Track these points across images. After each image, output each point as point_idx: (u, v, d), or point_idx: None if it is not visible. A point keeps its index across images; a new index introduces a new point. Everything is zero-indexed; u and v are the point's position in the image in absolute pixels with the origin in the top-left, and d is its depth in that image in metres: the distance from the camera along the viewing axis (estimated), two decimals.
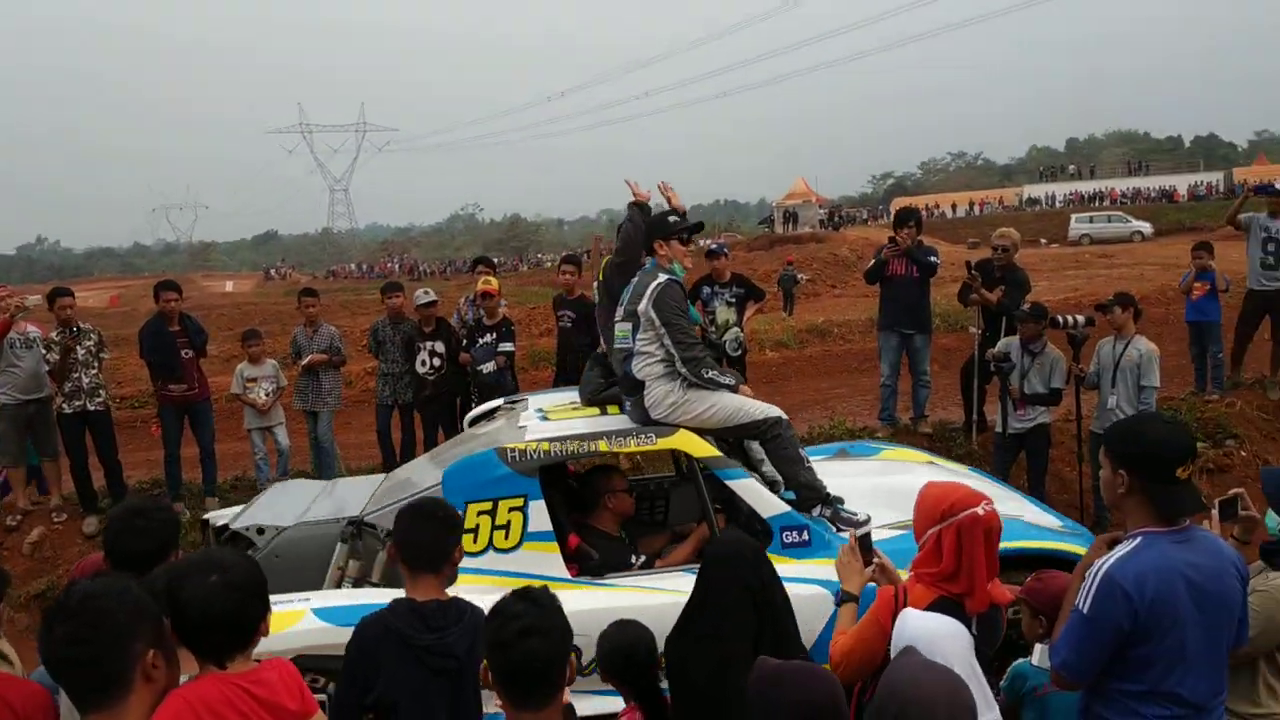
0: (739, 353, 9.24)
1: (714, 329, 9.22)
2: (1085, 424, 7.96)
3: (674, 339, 4.85)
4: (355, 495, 5.68)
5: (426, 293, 9.11)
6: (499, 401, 6.66)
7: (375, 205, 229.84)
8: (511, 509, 4.67)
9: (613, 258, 5.98)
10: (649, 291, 4.91)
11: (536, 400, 6.07)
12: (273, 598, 4.25)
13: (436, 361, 8.81)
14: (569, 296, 9.24)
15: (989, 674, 2.64)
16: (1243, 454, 9.00)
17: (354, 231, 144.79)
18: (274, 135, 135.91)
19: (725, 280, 9.28)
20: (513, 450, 4.75)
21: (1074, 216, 47.86)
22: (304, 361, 9.14)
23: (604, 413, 5.44)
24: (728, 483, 4.86)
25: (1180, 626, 2.75)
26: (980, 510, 3.05)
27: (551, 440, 4.83)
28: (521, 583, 4.37)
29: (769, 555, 3.27)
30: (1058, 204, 61.62)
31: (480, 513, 4.65)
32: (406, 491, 5.00)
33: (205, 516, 6.43)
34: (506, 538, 4.68)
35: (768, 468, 5.35)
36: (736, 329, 9.19)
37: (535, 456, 4.74)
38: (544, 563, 4.65)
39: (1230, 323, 9.98)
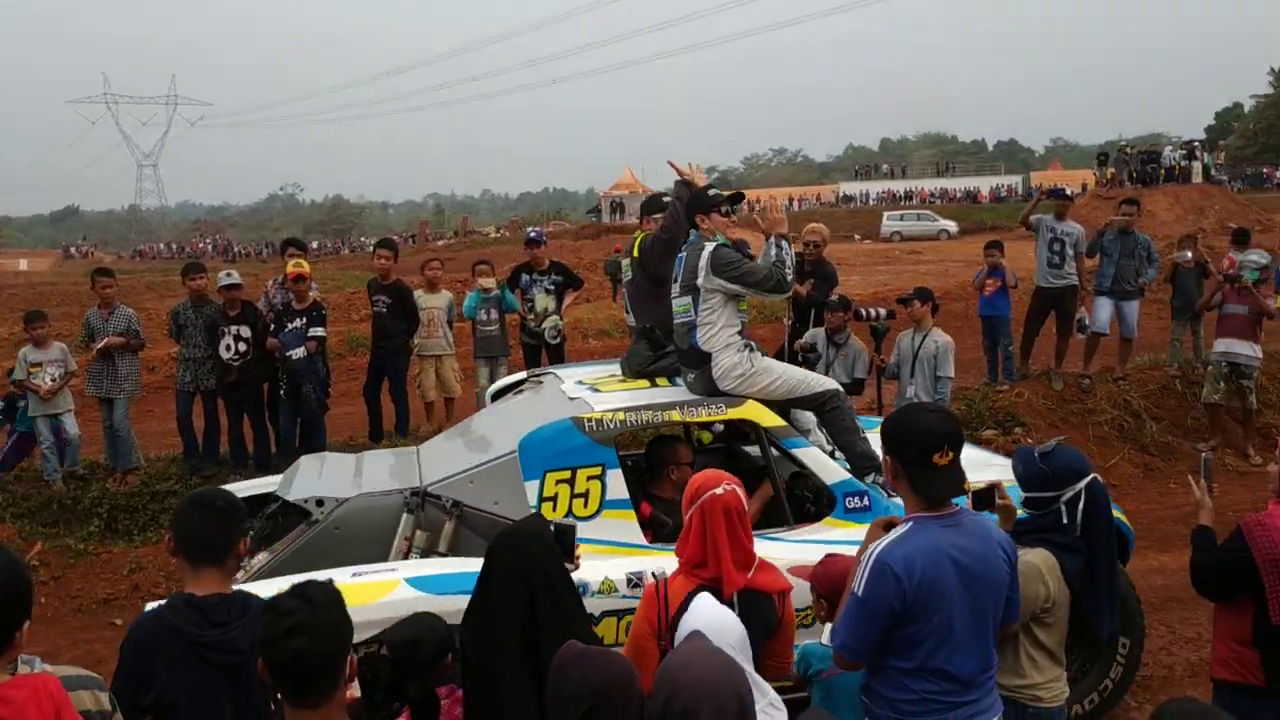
0: (557, 340, 9.26)
1: (532, 316, 9.21)
2: (886, 413, 8.31)
3: (746, 283, 4.93)
4: (403, 466, 5.58)
5: (230, 274, 8.72)
6: (522, 374, 6.66)
7: (187, 182, 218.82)
8: (590, 477, 4.71)
9: (659, 234, 5.97)
10: (703, 262, 4.97)
11: (571, 373, 6.02)
12: (364, 568, 4.36)
13: (242, 346, 8.45)
14: (384, 281, 9.05)
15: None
16: (1029, 441, 9.61)
17: (164, 209, 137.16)
18: (75, 105, 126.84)
19: (544, 268, 9.28)
20: (590, 420, 4.77)
21: (886, 214, 49.91)
22: (98, 345, 8.62)
23: (653, 384, 5.45)
24: (793, 451, 4.96)
25: (947, 606, 2.89)
26: (720, 490, 3.11)
27: (626, 410, 4.87)
28: (603, 550, 4.45)
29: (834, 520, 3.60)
30: (871, 202, 64.08)
31: (559, 481, 4.69)
32: (474, 461, 4.98)
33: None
34: (585, 505, 4.72)
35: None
36: (555, 317, 9.21)
37: (612, 426, 4.78)
38: (622, 530, 4.65)
39: (1020, 318, 10.64)
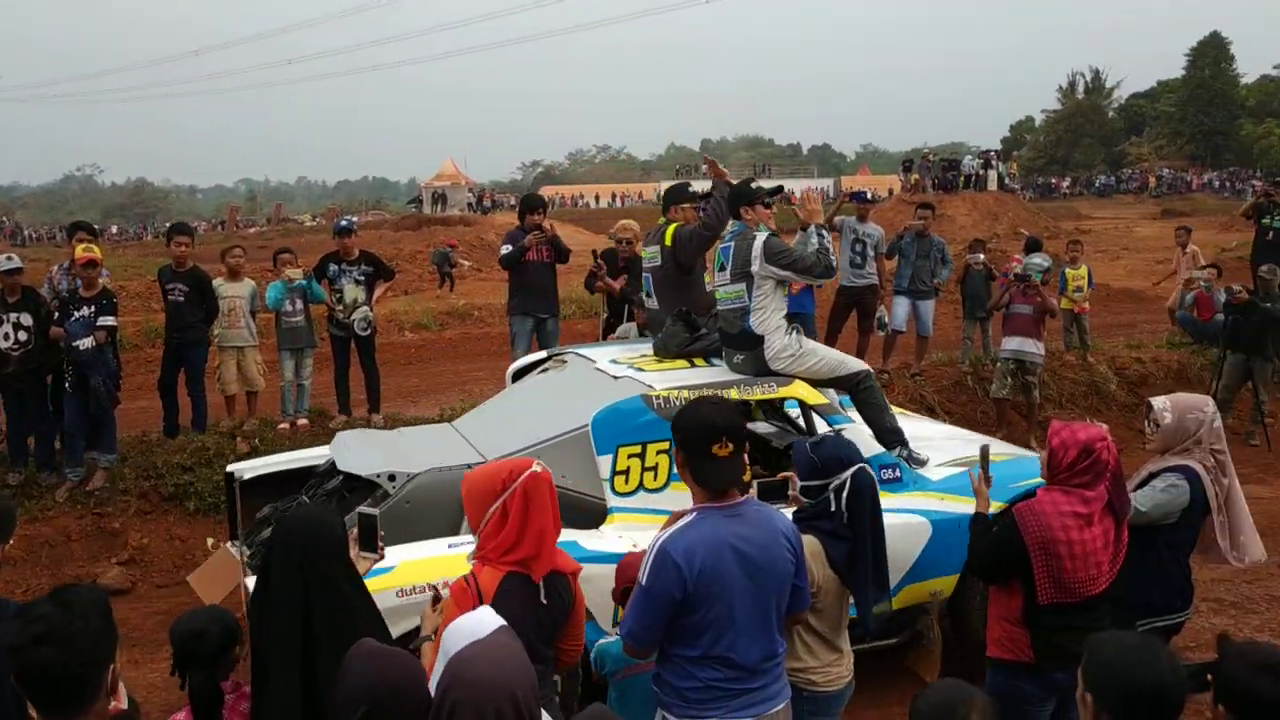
0: (367, 332, 9.04)
1: (341, 307, 8.95)
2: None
3: (797, 269, 5.33)
4: (449, 441, 5.75)
5: (10, 258, 8.11)
6: (543, 354, 6.88)
7: None
8: (659, 451, 4.95)
9: (700, 229, 6.29)
10: (756, 251, 5.34)
11: (600, 353, 6.25)
12: (458, 539, 4.63)
13: (22, 335, 7.85)
14: (179, 269, 8.62)
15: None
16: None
17: None
18: None
19: (354, 258, 9.04)
20: (658, 397, 5.06)
21: None
22: None
23: (692, 365, 5.81)
24: (836, 427, 5.20)
25: (729, 595, 2.98)
26: (538, 469, 3.13)
27: (690, 388, 5.15)
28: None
29: None
30: None
31: (630, 455, 4.95)
32: (538, 437, 5.14)
33: (230, 469, 6.03)
34: (655, 479, 4.99)
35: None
36: (365, 308, 8.99)
37: (678, 403, 4.92)
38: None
39: (825, 316, 11.05)
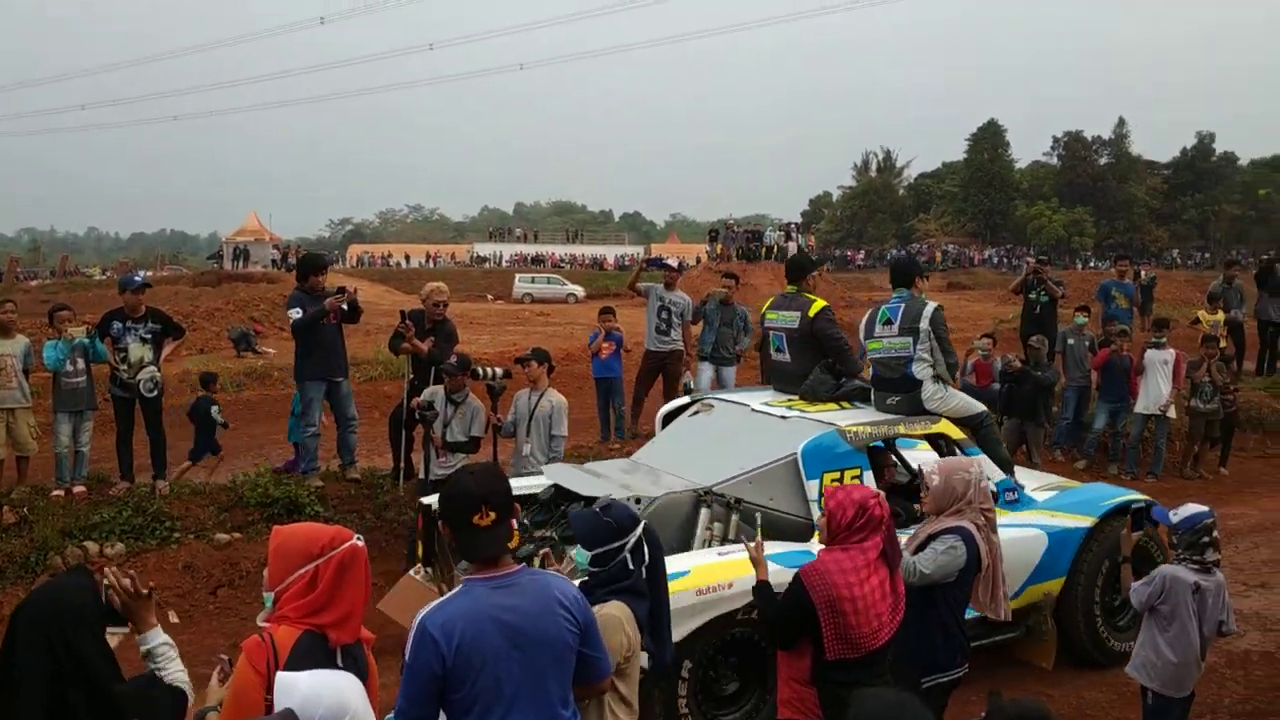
0: (154, 394, 8.59)
1: (125, 367, 8.47)
2: (503, 470, 8.42)
3: (943, 349, 6.50)
4: (644, 471, 6.50)
5: None
6: (685, 399, 7.81)
7: None
8: (853, 477, 5.90)
9: (839, 344, 7.13)
10: (926, 314, 6.48)
11: (745, 398, 7.11)
12: (727, 549, 5.47)
13: None
14: None
15: None
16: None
17: None
18: None
19: (140, 315, 8.58)
20: (850, 432, 6.06)
21: (518, 276, 51.04)
22: None
23: (840, 407, 6.71)
24: (972, 458, 5.80)
25: (493, 667, 2.92)
26: (359, 541, 3.07)
27: (871, 425, 6.26)
28: None
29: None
30: (505, 263, 65.35)
31: (832, 479, 5.82)
32: (747, 466, 6.02)
33: (424, 501, 6.57)
34: None
35: None
36: (153, 368, 8.56)
37: (864, 436, 6.13)
38: None
39: (631, 379, 11.23)
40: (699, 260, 46.58)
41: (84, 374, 8.56)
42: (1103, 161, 74.04)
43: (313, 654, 2.88)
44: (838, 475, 5.90)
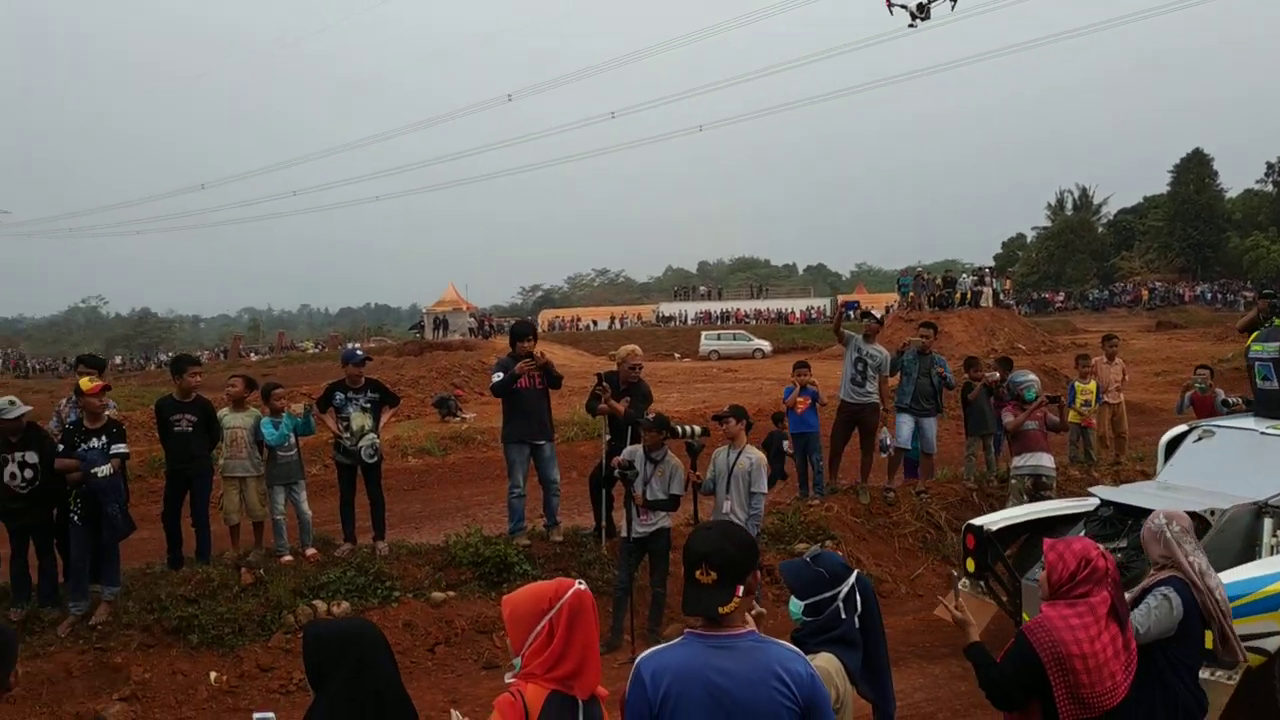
0: (374, 459, 9.05)
1: (348, 435, 8.98)
2: (745, 534, 8.44)
3: None
4: (1196, 489, 7.16)
5: (12, 402, 8.12)
6: (1184, 426, 8.45)
7: None
8: None
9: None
10: None
11: (1246, 423, 7.83)
12: None
13: (28, 473, 7.86)
14: (184, 399, 8.67)
15: None
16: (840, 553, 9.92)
17: None
18: None
19: (360, 386, 9.11)
20: None
21: (704, 334, 51.53)
22: None
23: None
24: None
25: None
26: (582, 586, 3.15)
27: None
28: None
29: None
30: (690, 321, 66.00)
31: None
32: None
33: (976, 522, 7.75)
34: None
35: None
36: (372, 435, 9.02)
37: None
38: None
39: (828, 434, 11.09)
40: (888, 310, 45.75)
41: (294, 448, 9.12)
42: None
43: (560, 712, 2.99)
44: None
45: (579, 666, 3.06)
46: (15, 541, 8.09)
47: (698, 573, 3.02)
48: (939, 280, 43.93)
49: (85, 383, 8.11)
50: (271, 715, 3.38)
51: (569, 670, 3.05)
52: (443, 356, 39.91)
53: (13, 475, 7.83)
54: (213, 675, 7.73)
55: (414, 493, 15.09)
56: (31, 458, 7.86)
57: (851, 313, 11.91)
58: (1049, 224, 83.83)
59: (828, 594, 3.70)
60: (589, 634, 3.10)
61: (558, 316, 77.25)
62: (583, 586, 3.17)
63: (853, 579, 3.73)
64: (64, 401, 9.01)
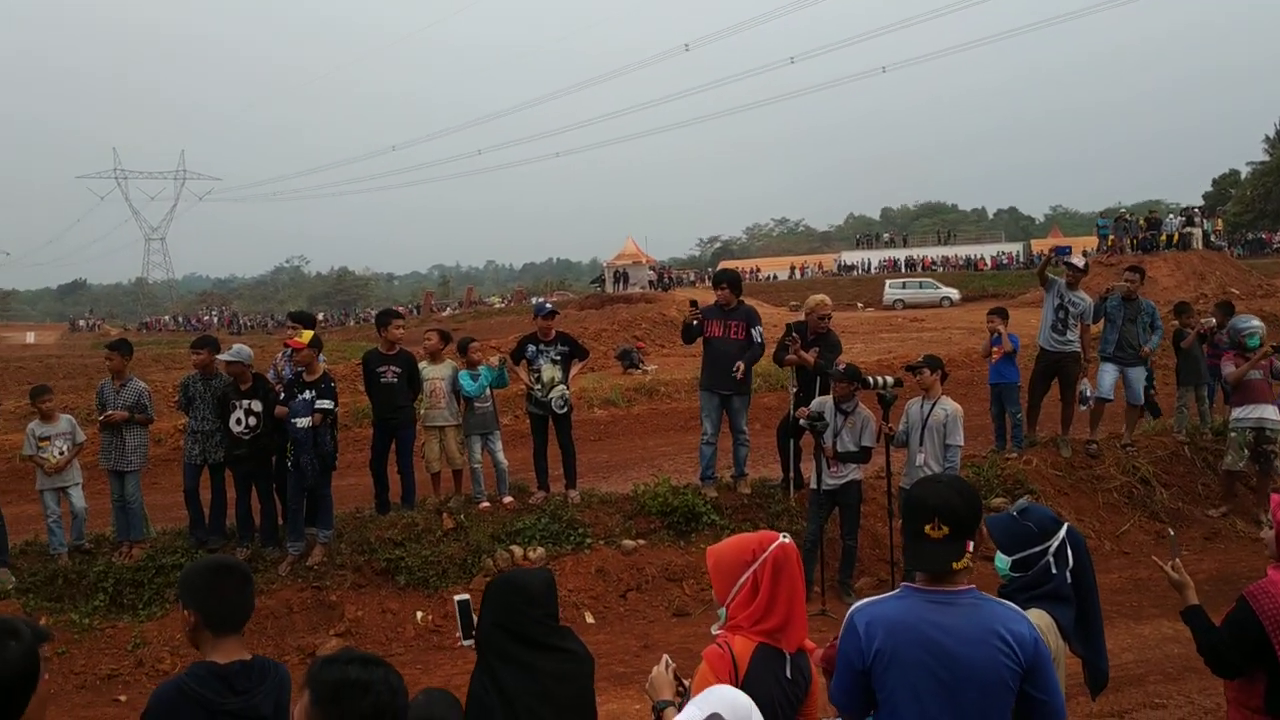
0: (564, 410, 9.26)
1: (539, 387, 9.21)
2: (895, 480, 8.28)
3: None
4: None
5: (241, 350, 8.76)
6: None
7: (194, 256, 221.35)
8: None
9: None
10: None
11: None
12: None
13: (252, 420, 8.45)
14: (389, 352, 9.07)
15: None
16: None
17: (170, 282, 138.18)
18: (85, 180, 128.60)
19: (550, 339, 9.30)
20: None
21: (888, 282, 50.25)
22: (101, 417, 8.66)
23: None
24: None
25: (913, 680, 2.85)
26: (786, 539, 3.14)
27: None
28: None
29: None
30: (873, 270, 64.57)
31: None
32: None
33: None
34: None
35: None
36: (563, 387, 9.21)
37: None
38: None
39: (1026, 385, 10.64)
40: (1086, 254, 43.45)
41: (490, 399, 9.40)
42: None
43: (768, 665, 3.00)
44: None
45: (785, 620, 3.06)
46: (240, 486, 8.71)
47: (928, 528, 2.93)
48: (1142, 221, 41.33)
49: (290, 338, 8.59)
50: (467, 597, 3.51)
51: (776, 624, 3.05)
52: (623, 309, 40.34)
53: (238, 421, 8.43)
54: (419, 614, 8.14)
55: (600, 443, 15.39)
56: (256, 406, 8.45)
57: (1061, 257, 11.21)
58: (1267, 158, 77.40)
59: (1037, 549, 3.56)
60: (794, 587, 3.09)
61: (738, 267, 76.76)
62: (787, 540, 3.15)
63: (1063, 532, 3.57)
64: (279, 355, 9.58)
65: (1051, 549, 3.54)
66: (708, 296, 9.77)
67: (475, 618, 3.34)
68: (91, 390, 12.74)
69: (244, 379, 8.56)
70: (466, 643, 3.43)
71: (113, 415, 8.59)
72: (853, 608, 2.99)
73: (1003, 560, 3.65)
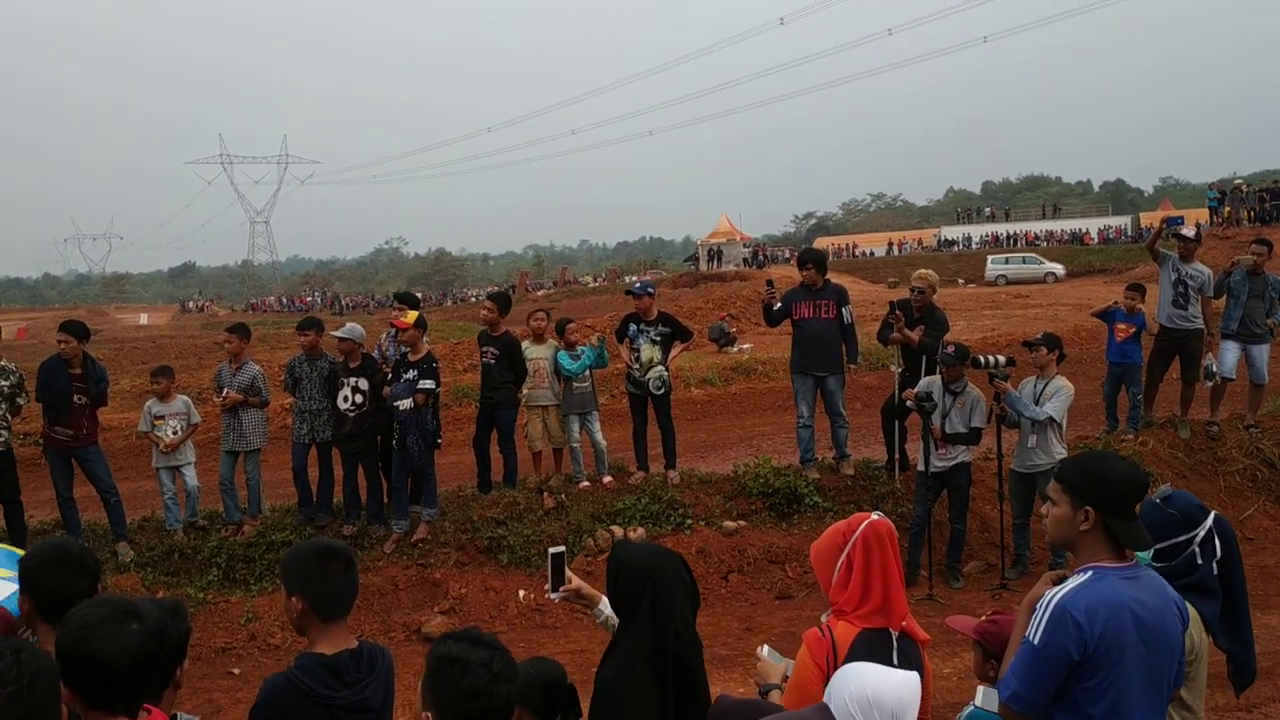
0: (662, 391, 9.19)
1: (637, 366, 9.16)
2: (1005, 463, 8.04)
3: None
4: None
5: (354, 328, 8.88)
6: None
7: (297, 238, 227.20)
8: None
9: None
10: None
11: None
12: None
13: (359, 399, 8.57)
14: (493, 333, 9.11)
15: None
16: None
17: (275, 264, 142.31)
18: (193, 166, 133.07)
19: (651, 318, 9.24)
20: None
21: (990, 258, 48.96)
22: (219, 400, 8.90)
23: None
24: None
25: (1125, 661, 2.76)
26: (876, 517, 3.08)
27: None
28: None
29: None
30: (974, 245, 63.02)
31: None
32: None
33: None
34: None
35: None
36: (661, 367, 9.14)
37: None
38: None
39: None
40: (1199, 226, 41.74)
41: (589, 379, 9.37)
42: None
43: (871, 651, 2.89)
44: None
45: (884, 598, 2.99)
46: (347, 465, 8.85)
47: (1138, 506, 2.93)
48: (1262, 193, 39.45)
49: (401, 318, 8.67)
50: (563, 549, 3.50)
51: (876, 604, 2.99)
52: (717, 288, 40.16)
53: (345, 398, 8.56)
54: (521, 593, 8.18)
55: (698, 423, 15.31)
56: (364, 384, 8.56)
57: (1175, 228, 10.63)
58: None
59: (1182, 538, 3.39)
60: (887, 563, 3.02)
61: (833, 244, 75.88)
62: (878, 516, 3.10)
63: (1210, 521, 3.40)
64: (384, 336, 9.70)
65: (1198, 539, 3.40)
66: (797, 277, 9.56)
67: (568, 572, 3.44)
68: (203, 370, 13.16)
69: (354, 357, 8.69)
70: (554, 595, 3.46)
71: (228, 398, 8.81)
72: (1057, 598, 2.83)
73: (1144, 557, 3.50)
